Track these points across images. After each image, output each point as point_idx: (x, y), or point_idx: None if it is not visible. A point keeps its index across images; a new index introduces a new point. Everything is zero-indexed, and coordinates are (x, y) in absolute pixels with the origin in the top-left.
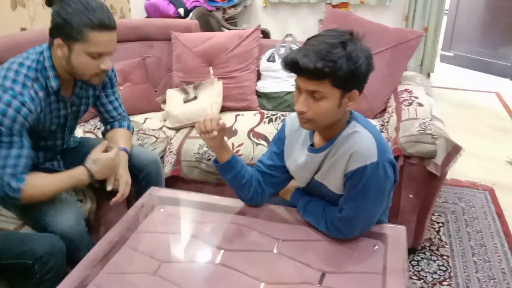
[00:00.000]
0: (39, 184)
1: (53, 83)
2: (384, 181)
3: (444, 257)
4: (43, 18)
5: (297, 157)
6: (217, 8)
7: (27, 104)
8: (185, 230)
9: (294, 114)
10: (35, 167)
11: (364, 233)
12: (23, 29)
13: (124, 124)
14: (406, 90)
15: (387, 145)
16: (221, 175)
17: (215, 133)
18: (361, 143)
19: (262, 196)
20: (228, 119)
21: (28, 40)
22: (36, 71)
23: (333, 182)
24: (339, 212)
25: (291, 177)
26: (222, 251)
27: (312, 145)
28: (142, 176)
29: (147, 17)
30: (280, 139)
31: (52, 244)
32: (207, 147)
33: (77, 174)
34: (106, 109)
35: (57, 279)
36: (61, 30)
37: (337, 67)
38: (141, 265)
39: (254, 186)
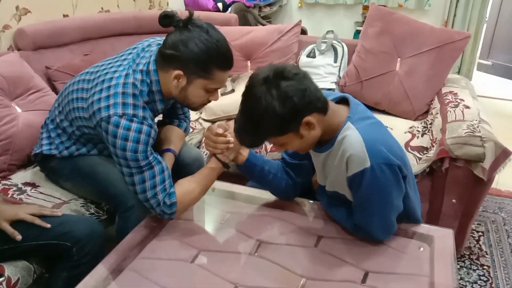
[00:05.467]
0: (188, 191)
1: (159, 106)
2: (384, 183)
3: (485, 267)
4: (85, 6)
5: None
6: (254, 6)
7: (153, 125)
8: (222, 220)
9: None
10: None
11: (391, 234)
12: (65, 16)
13: (182, 125)
14: (450, 92)
15: (385, 144)
16: (247, 177)
17: (231, 145)
18: (351, 148)
19: (295, 188)
20: None
21: (70, 26)
22: (148, 95)
23: (345, 190)
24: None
25: None
26: (260, 243)
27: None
28: (185, 173)
29: (185, 10)
30: None
31: (91, 228)
32: None
33: (213, 165)
34: (174, 106)
35: (94, 264)
36: (186, 64)
37: (261, 135)
38: (179, 252)
39: (285, 179)
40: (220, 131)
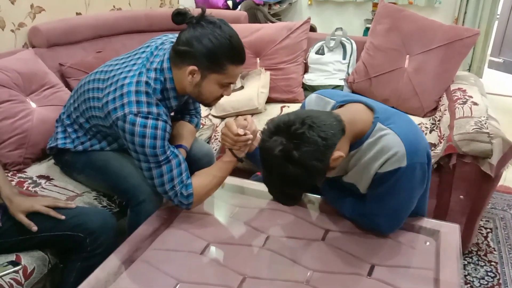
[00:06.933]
0: (204, 183)
1: (173, 103)
2: (412, 183)
3: (493, 263)
4: (97, 4)
5: None
6: (264, 3)
7: (168, 120)
8: (231, 213)
9: (315, 96)
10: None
11: (397, 229)
12: (78, 14)
13: (194, 120)
14: (459, 89)
15: (419, 142)
16: (256, 165)
17: (250, 136)
18: (392, 148)
19: None
20: (273, 110)
21: (83, 24)
22: (162, 93)
23: (363, 185)
24: (362, 205)
25: None
26: (268, 236)
27: None
28: (195, 168)
29: (196, 8)
30: None
31: (105, 220)
32: None
33: (228, 159)
34: (185, 102)
35: (107, 254)
36: (200, 59)
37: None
38: (189, 244)
39: None
40: (241, 131)
